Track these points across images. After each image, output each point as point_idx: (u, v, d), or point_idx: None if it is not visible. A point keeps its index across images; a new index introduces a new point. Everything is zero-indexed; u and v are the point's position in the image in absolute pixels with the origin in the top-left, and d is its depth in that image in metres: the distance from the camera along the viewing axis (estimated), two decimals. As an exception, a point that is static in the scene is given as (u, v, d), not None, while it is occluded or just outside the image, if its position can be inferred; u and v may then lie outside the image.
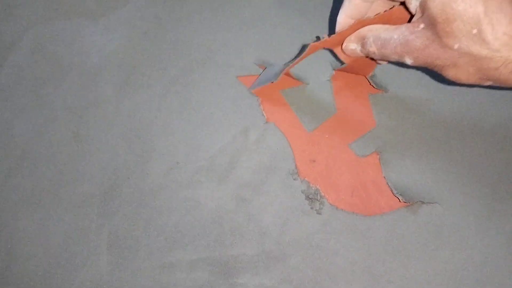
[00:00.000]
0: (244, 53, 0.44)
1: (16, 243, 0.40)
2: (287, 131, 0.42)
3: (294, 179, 0.40)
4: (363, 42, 0.34)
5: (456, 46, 0.28)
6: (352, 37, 0.35)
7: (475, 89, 0.41)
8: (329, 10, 0.46)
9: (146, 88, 0.44)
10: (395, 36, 0.31)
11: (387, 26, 0.33)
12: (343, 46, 0.36)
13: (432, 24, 0.28)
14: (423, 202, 0.39)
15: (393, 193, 0.39)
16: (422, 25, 0.29)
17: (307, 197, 0.40)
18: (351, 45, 0.36)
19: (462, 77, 0.30)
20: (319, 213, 0.39)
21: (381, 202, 0.39)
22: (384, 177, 0.40)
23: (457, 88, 0.42)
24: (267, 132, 0.42)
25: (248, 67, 0.44)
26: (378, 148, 0.41)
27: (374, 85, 0.42)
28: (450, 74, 0.30)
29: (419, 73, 0.43)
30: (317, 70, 0.44)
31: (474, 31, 0.26)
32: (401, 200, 0.39)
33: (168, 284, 0.38)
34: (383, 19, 0.34)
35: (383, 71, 0.43)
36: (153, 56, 0.46)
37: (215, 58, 0.45)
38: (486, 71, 0.28)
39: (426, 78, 0.43)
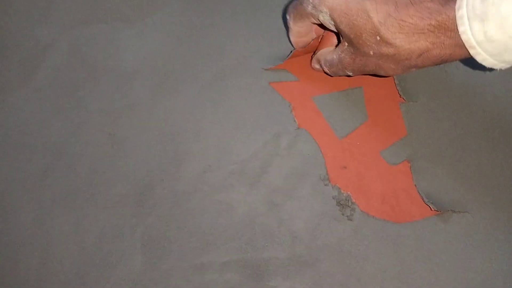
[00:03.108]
0: (276, 60, 0.45)
1: (52, 241, 0.41)
2: (318, 138, 0.43)
3: (325, 185, 0.41)
4: (319, 64, 0.42)
5: (371, 53, 0.35)
6: (314, 60, 0.44)
7: (507, 98, 0.42)
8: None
9: (180, 92, 0.45)
10: (334, 57, 0.39)
11: (331, 48, 0.41)
12: (312, 65, 0.44)
13: (349, 41, 0.36)
14: (453, 211, 0.39)
15: (424, 201, 0.40)
16: (346, 44, 0.37)
17: (338, 203, 0.40)
18: (316, 65, 0.44)
19: (390, 72, 0.37)
20: (350, 219, 0.40)
21: (411, 210, 0.40)
22: (415, 185, 0.40)
23: (487, 98, 0.43)
24: (299, 138, 0.43)
25: (280, 74, 0.45)
26: (409, 156, 0.41)
27: (403, 97, 0.43)
28: (381, 73, 0.37)
29: (449, 82, 0.43)
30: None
31: (378, 37, 0.33)
32: (432, 209, 0.39)
33: (200, 285, 0.39)
34: (321, 44, 0.43)
35: (413, 80, 0.44)
36: (187, 61, 0.46)
37: (248, 64, 0.46)
38: (402, 62, 0.34)
39: (457, 87, 0.43)
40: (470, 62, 0.43)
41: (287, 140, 0.43)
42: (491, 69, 0.33)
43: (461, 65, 0.44)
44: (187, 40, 0.47)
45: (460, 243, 0.39)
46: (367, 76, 0.44)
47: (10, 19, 0.51)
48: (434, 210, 0.39)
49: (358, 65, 0.38)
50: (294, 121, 0.43)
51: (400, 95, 0.43)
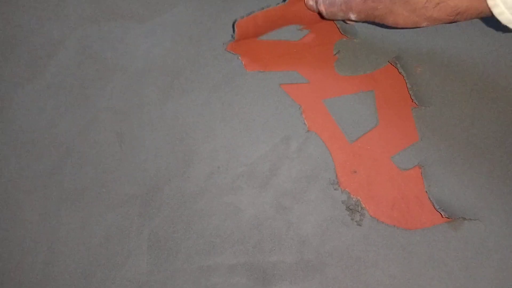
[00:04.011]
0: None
1: (58, 240, 0.41)
2: (329, 141, 0.42)
3: (335, 189, 0.41)
4: (315, 0, 0.40)
5: None
6: None
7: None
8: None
9: (190, 92, 0.45)
10: None
11: None
12: (305, 1, 0.42)
13: None
14: (464, 219, 0.39)
15: (435, 208, 0.39)
16: None
17: (348, 208, 0.40)
18: (310, 1, 0.41)
19: (400, 21, 0.35)
20: (359, 225, 0.39)
21: (422, 217, 0.39)
22: (426, 192, 0.40)
23: (501, 104, 0.42)
24: (309, 141, 0.42)
25: (291, 75, 0.45)
26: (421, 162, 0.41)
27: (416, 102, 0.42)
28: (390, 20, 0.36)
29: (462, 88, 0.43)
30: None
31: None
32: (442, 216, 0.39)
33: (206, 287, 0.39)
34: None
35: (426, 85, 0.43)
36: (197, 62, 0.46)
37: (258, 66, 0.45)
38: (417, 11, 0.33)
39: (470, 93, 0.43)
40: (481, 60, 0.43)
41: (297, 143, 0.42)
42: (504, 30, 0.32)
43: (474, 70, 0.43)
44: (197, 40, 0.47)
45: (471, 251, 0.38)
46: (379, 79, 0.44)
47: (21, 15, 0.51)
48: (445, 217, 0.38)
49: (367, 8, 0.36)
50: (304, 124, 0.43)
51: (412, 100, 0.43)
